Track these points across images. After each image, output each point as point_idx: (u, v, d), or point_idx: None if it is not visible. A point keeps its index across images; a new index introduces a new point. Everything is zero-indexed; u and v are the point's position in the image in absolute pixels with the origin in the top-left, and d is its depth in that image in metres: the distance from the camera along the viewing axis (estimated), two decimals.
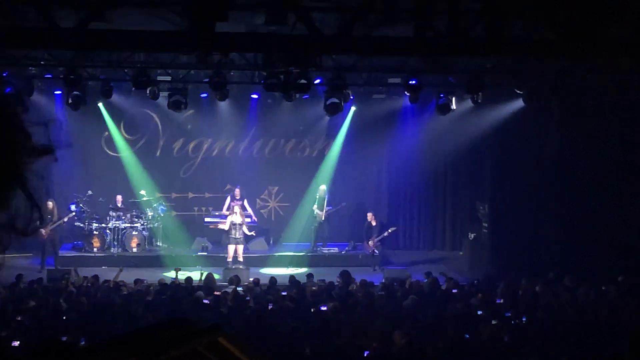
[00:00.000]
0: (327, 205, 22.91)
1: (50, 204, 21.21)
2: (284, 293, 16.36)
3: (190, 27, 12.40)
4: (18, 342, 11.79)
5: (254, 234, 22.60)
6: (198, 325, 2.16)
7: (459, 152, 23.64)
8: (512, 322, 14.03)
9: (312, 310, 14.62)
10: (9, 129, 1.40)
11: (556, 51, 13.56)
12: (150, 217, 22.74)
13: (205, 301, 15.24)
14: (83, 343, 11.36)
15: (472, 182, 24.00)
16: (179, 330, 2.11)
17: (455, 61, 19.39)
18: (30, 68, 20.19)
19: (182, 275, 18.12)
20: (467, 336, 12.67)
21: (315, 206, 22.96)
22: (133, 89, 19.85)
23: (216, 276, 18.40)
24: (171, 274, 18.56)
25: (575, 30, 12.01)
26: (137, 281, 17.29)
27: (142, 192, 23.09)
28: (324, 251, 22.98)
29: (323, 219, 22.80)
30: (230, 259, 21.14)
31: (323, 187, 23.14)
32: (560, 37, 12.63)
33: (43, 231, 20.73)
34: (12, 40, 13.32)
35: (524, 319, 13.99)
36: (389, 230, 22.35)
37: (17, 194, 1.38)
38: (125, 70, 19.91)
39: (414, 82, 19.12)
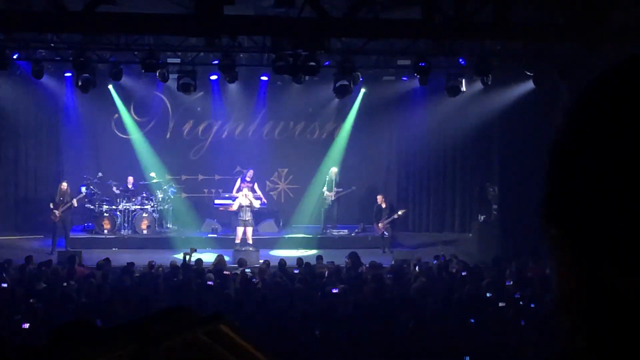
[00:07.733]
0: (337, 187, 22.91)
1: (64, 184, 21.42)
2: (296, 271, 16.44)
3: (197, 10, 12.40)
4: (28, 325, 11.86)
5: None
6: (199, 314, 2.20)
7: (469, 134, 23.58)
8: (521, 303, 14.05)
9: (319, 293, 14.67)
10: None
11: (564, 34, 13.51)
12: (160, 199, 22.78)
13: (210, 283, 15.27)
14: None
15: (482, 164, 23.95)
16: (179, 319, 2.15)
17: (463, 44, 19.31)
18: (39, 50, 20.24)
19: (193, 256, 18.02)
20: (472, 321, 12.68)
21: (324, 188, 22.98)
22: (142, 71, 19.89)
23: (226, 258, 18.45)
24: (180, 256, 18.32)
25: (583, 13, 11.96)
26: (150, 264, 17.32)
27: (152, 174, 23.13)
28: (334, 233, 23.00)
29: (332, 199, 22.82)
30: (238, 241, 21.19)
31: (334, 170, 23.12)
32: (568, 20, 12.59)
33: (56, 212, 20.86)
34: (21, 25, 13.36)
35: (532, 305, 13.97)
36: (399, 213, 22.33)
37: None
38: (135, 53, 19.94)
39: (423, 64, 19.03)
